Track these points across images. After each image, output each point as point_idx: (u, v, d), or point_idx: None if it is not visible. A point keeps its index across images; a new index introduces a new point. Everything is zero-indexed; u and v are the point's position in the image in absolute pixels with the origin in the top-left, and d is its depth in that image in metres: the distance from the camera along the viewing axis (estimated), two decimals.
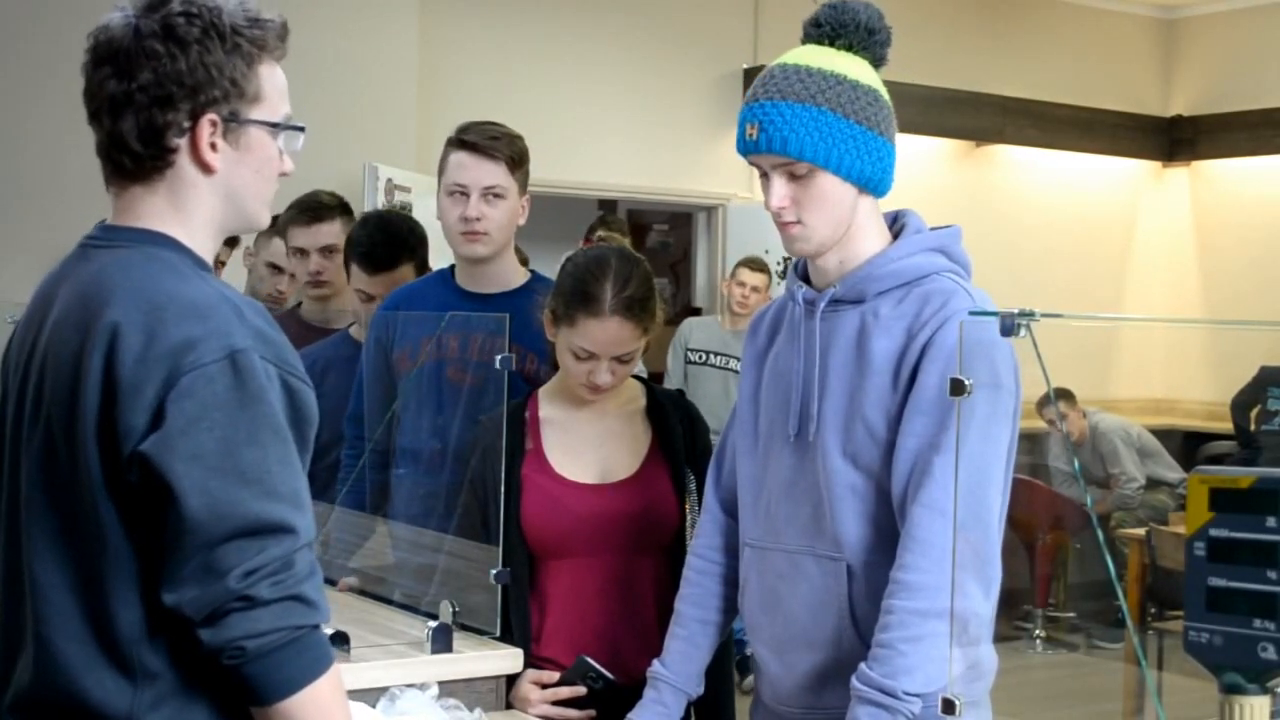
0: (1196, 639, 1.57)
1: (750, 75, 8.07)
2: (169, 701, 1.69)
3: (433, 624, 2.62)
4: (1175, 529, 6.15)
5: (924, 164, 8.66)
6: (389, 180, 6.60)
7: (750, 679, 2.61)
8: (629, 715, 2.46)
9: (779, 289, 5.66)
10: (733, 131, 2.27)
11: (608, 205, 9.22)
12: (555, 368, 2.80)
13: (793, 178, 2.22)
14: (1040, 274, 9.15)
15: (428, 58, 7.21)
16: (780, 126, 2.19)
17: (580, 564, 2.73)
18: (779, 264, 7.23)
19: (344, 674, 1.76)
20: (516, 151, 3.13)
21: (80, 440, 1.68)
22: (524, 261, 3.49)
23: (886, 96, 2.27)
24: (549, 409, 2.81)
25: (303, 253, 3.92)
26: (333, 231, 3.86)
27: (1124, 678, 6.64)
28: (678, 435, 2.79)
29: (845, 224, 2.26)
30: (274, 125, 1.81)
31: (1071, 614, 8.27)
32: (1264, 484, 1.55)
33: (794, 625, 2.31)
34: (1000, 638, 2.32)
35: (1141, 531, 6.50)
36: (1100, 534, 5.29)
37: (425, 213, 3.82)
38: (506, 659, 2.64)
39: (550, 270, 2.94)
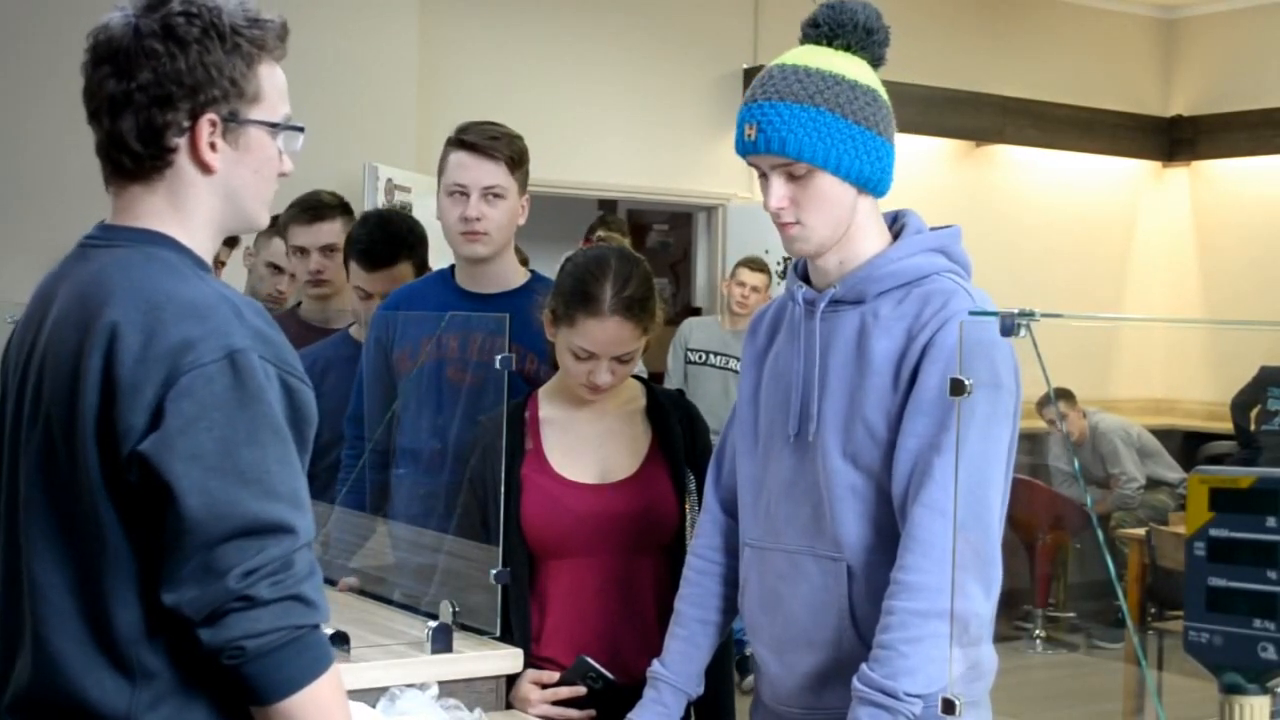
0: (1196, 639, 1.57)
1: (750, 75, 8.06)
2: (167, 701, 1.69)
3: (433, 624, 2.62)
4: (1175, 529, 6.15)
5: (924, 164, 8.66)
6: (389, 180, 6.60)
7: (750, 679, 2.61)
8: (629, 715, 2.46)
9: (779, 289, 5.65)
10: (733, 132, 2.27)
11: (608, 205, 9.22)
12: (555, 368, 2.80)
13: (792, 178, 2.22)
14: (1040, 274, 9.15)
15: (428, 58, 7.20)
16: (779, 127, 2.19)
17: (580, 564, 2.73)
18: (779, 264, 7.23)
19: (344, 674, 1.76)
20: (516, 151, 3.13)
21: (79, 440, 1.68)
22: (524, 261, 3.49)
23: (885, 96, 2.27)
24: (549, 409, 2.81)
25: (303, 251, 3.92)
26: (333, 230, 3.87)
27: (1124, 678, 6.63)
28: (677, 435, 2.79)
29: (845, 224, 2.25)
30: (273, 125, 1.81)
31: (1071, 614, 8.27)
32: (1264, 484, 1.55)
33: (794, 625, 2.31)
34: (1000, 638, 2.31)
35: (1141, 531, 6.49)
36: (1100, 534, 5.28)
37: (425, 213, 3.82)
38: (506, 659, 2.64)
39: (550, 270, 2.94)
